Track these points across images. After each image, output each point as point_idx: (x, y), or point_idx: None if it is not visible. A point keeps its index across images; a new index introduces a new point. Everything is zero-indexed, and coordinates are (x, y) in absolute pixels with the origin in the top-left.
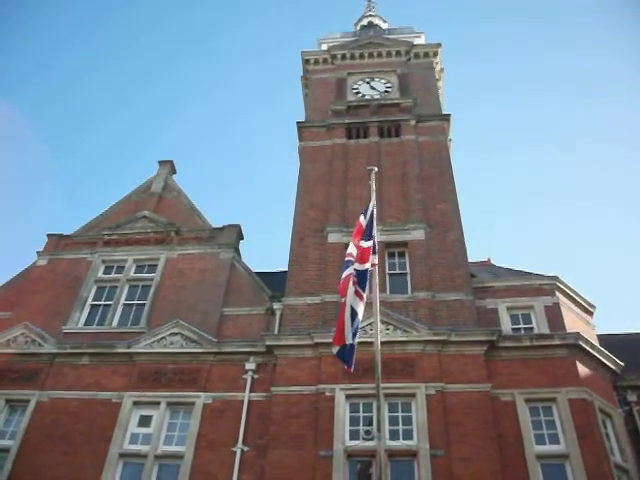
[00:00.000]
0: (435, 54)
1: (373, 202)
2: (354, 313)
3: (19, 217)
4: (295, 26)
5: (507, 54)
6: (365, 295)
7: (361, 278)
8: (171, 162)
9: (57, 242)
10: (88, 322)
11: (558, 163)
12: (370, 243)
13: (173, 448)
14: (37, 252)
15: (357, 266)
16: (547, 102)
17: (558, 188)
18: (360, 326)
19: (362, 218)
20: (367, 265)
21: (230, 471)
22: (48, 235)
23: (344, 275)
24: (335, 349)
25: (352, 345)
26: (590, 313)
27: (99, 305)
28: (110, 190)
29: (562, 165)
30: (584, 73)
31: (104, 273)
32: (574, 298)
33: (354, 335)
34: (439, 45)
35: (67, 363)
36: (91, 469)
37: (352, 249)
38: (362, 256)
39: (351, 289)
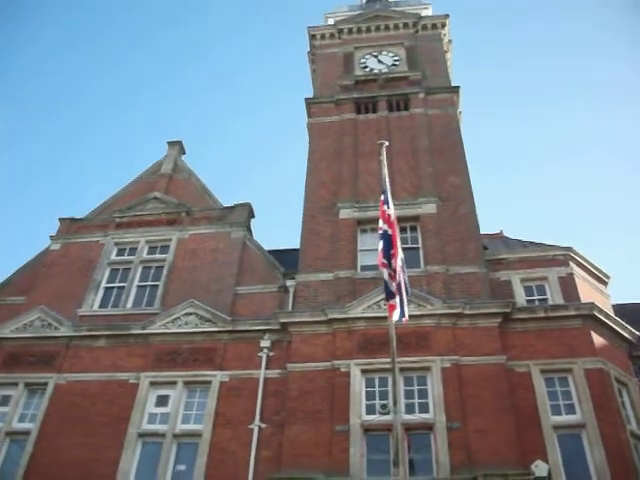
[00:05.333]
0: (443, 25)
1: (385, 177)
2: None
3: (33, 201)
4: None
5: (520, 21)
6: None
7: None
8: (180, 142)
9: (69, 226)
10: (103, 304)
11: (571, 126)
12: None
13: (191, 427)
14: (50, 236)
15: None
16: (554, 68)
17: (571, 155)
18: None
19: (382, 197)
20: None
21: (248, 448)
22: (60, 219)
23: (379, 249)
24: (396, 315)
25: (401, 297)
26: (605, 283)
27: (113, 287)
28: (121, 173)
29: (575, 130)
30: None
31: (117, 255)
32: (588, 268)
33: (400, 289)
34: (447, 16)
35: (83, 346)
36: (110, 450)
37: (381, 224)
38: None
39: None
